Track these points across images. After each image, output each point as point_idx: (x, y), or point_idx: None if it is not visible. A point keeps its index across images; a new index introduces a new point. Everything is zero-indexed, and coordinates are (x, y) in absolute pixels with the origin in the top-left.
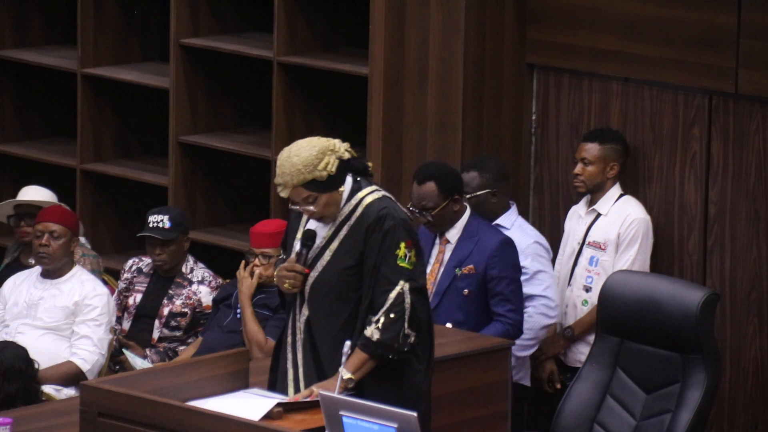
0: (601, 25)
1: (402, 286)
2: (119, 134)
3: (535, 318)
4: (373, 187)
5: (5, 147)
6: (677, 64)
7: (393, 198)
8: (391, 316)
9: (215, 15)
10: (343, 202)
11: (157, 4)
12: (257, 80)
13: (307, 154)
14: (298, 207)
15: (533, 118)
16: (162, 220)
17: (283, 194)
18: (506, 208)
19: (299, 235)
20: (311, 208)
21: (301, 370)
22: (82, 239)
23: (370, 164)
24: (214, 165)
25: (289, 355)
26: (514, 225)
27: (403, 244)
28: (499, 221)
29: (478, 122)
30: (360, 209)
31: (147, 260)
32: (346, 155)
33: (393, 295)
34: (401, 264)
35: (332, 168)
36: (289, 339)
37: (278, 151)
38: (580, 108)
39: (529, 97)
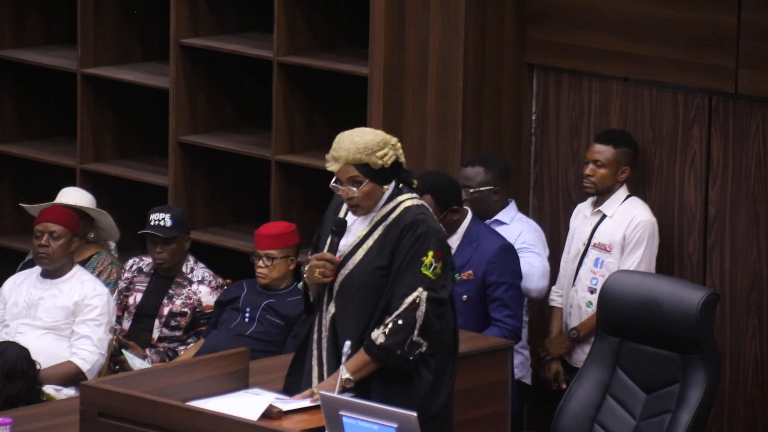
0: (601, 25)
1: (419, 293)
2: (119, 134)
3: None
4: (414, 195)
5: (5, 147)
6: (677, 64)
7: (430, 210)
8: (400, 322)
9: (215, 15)
10: (382, 202)
11: (157, 4)
12: (257, 80)
13: (370, 137)
14: (339, 186)
15: (533, 118)
16: (163, 219)
17: (332, 168)
18: (505, 206)
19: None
20: (354, 189)
21: (325, 368)
22: (112, 245)
23: (415, 182)
24: (214, 165)
25: (315, 352)
26: (513, 219)
27: (431, 253)
28: (498, 217)
29: (478, 122)
30: (398, 211)
31: (147, 260)
32: (402, 159)
33: (408, 300)
34: (424, 272)
35: (388, 161)
36: (315, 336)
37: (278, 151)
38: (580, 108)
39: (529, 97)
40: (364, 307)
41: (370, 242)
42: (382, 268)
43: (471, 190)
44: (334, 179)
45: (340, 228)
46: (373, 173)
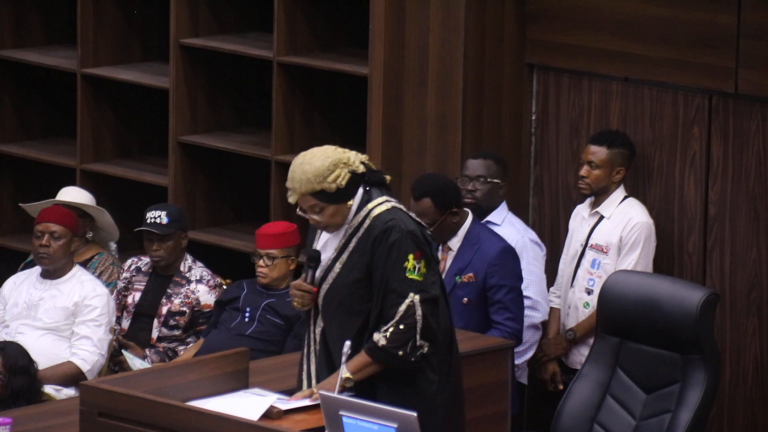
0: (601, 25)
1: (412, 298)
2: (119, 134)
3: None
4: (383, 198)
5: (5, 147)
6: (677, 64)
7: (404, 208)
8: (401, 327)
9: (215, 15)
10: (353, 213)
11: (157, 4)
12: (257, 80)
13: (319, 164)
14: (303, 213)
15: (533, 118)
16: (160, 216)
17: (291, 200)
18: (498, 206)
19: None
20: (317, 217)
21: (314, 382)
22: (113, 245)
23: (388, 177)
24: (214, 165)
25: (304, 366)
26: (504, 221)
27: (411, 256)
28: (489, 218)
29: (478, 122)
30: (368, 221)
31: (146, 259)
32: (361, 168)
33: (403, 308)
34: (410, 276)
35: (342, 181)
36: (305, 350)
37: (278, 151)
38: (580, 108)
39: (529, 97)
40: (349, 320)
41: (345, 256)
42: (360, 281)
43: (488, 180)
44: (298, 208)
45: (314, 262)
46: (331, 197)
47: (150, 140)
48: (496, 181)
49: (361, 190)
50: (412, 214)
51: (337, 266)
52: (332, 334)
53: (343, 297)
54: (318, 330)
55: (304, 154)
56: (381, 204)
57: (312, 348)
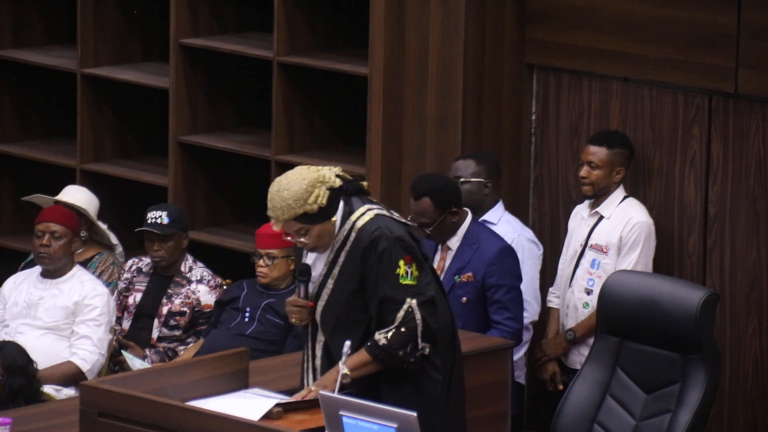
0: (601, 25)
1: (409, 303)
2: (119, 134)
3: None
4: (365, 208)
5: (5, 147)
6: (677, 64)
7: (387, 211)
8: (402, 330)
9: (215, 15)
10: (337, 227)
11: (157, 4)
12: (257, 80)
13: (296, 188)
14: (290, 239)
15: (533, 118)
16: (160, 216)
17: (276, 228)
18: (494, 205)
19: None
20: (304, 239)
21: None
22: (119, 249)
23: (365, 183)
24: (214, 165)
25: (306, 383)
26: (500, 220)
27: (401, 262)
28: (485, 217)
29: (478, 122)
30: (353, 234)
31: (146, 260)
32: (338, 183)
33: (401, 314)
34: (404, 282)
35: (323, 200)
36: (308, 365)
37: (278, 151)
38: (580, 108)
39: (529, 97)
40: (350, 331)
41: (336, 271)
42: (355, 293)
43: (462, 180)
44: (284, 233)
45: (305, 276)
46: (314, 217)
47: (150, 140)
48: (474, 180)
49: (341, 203)
50: (396, 215)
51: (330, 282)
52: (336, 347)
53: (341, 312)
54: (319, 345)
55: (279, 180)
56: (363, 214)
57: (316, 363)
